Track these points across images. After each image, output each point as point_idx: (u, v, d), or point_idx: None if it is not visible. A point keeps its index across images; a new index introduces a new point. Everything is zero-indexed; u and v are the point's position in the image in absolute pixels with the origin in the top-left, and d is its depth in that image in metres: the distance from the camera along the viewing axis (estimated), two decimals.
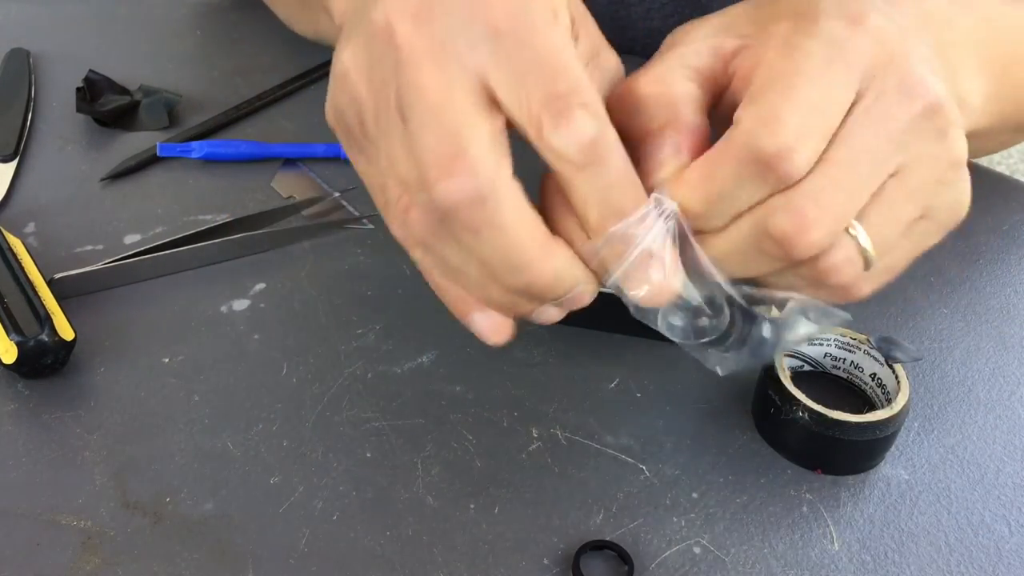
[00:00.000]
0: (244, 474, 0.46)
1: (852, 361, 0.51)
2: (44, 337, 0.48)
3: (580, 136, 0.34)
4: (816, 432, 0.47)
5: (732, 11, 0.40)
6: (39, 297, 0.49)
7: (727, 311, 0.38)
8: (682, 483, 0.48)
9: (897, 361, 0.48)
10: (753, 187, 0.35)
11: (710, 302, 0.38)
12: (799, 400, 0.47)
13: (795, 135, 0.34)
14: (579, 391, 0.52)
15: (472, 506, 0.46)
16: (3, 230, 0.53)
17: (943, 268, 0.60)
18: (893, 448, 0.49)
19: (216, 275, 0.56)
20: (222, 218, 0.59)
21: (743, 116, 0.35)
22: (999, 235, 0.63)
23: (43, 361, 0.48)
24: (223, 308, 0.54)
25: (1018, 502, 0.48)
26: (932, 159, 0.37)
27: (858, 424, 0.46)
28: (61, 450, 0.47)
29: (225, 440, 0.48)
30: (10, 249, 0.52)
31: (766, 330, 0.39)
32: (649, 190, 0.36)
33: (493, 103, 0.34)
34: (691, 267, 0.37)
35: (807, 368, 0.52)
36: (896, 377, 0.48)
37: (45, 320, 0.48)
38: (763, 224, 0.35)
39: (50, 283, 0.52)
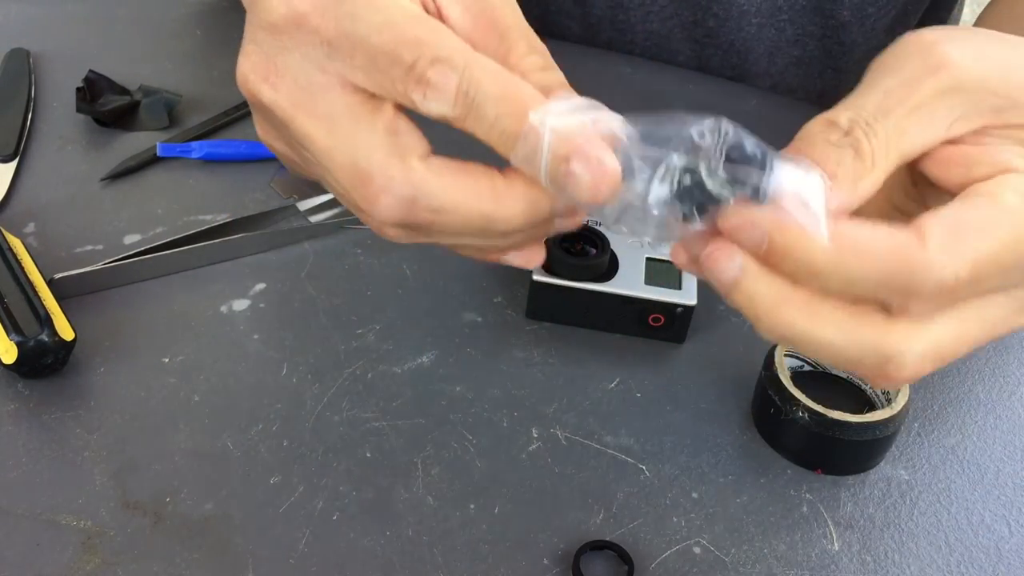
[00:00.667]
0: (244, 474, 0.46)
1: None
2: (44, 337, 0.48)
3: (446, 93, 0.33)
4: (816, 432, 0.47)
5: (987, 62, 0.35)
6: (39, 297, 0.49)
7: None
8: (682, 483, 0.48)
9: None
10: (877, 291, 0.32)
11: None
12: (799, 400, 0.47)
13: (956, 285, 0.32)
14: (579, 391, 0.52)
15: (472, 506, 0.46)
16: (3, 230, 0.53)
17: None
18: (893, 448, 0.49)
19: (216, 275, 0.56)
20: (222, 218, 0.59)
21: (933, 241, 0.32)
22: None
23: (43, 361, 0.48)
24: (223, 308, 0.54)
25: (1018, 502, 0.48)
26: None
27: (858, 424, 0.46)
28: (61, 450, 0.47)
29: (225, 440, 0.48)
30: (10, 249, 0.52)
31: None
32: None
33: (371, 96, 0.35)
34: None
35: (807, 368, 0.52)
36: None
37: (45, 320, 0.48)
38: (862, 353, 0.33)
39: (50, 283, 0.52)
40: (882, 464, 0.49)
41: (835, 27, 0.75)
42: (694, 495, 0.47)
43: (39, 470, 0.46)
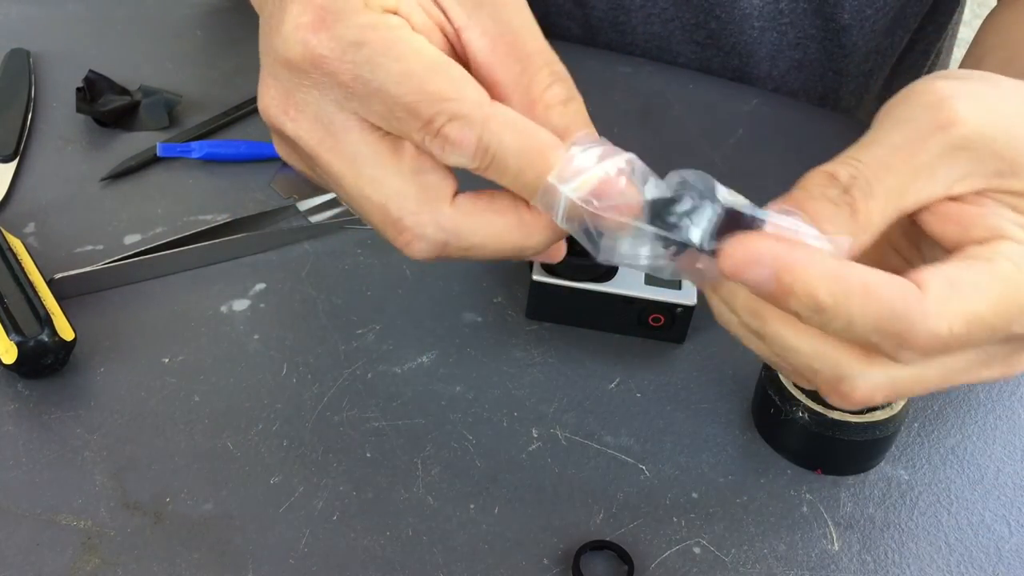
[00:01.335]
0: (244, 474, 0.46)
1: None
2: (44, 337, 0.48)
3: (465, 149, 0.34)
4: (816, 432, 0.47)
5: (996, 120, 0.35)
6: (39, 297, 0.49)
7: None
8: (682, 483, 0.48)
9: None
10: (872, 334, 0.32)
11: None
12: (799, 400, 0.47)
13: (950, 342, 0.32)
14: (579, 391, 0.52)
15: (472, 506, 0.46)
16: (3, 230, 0.53)
17: None
18: (893, 448, 0.49)
19: (216, 275, 0.56)
20: (222, 218, 0.59)
21: (932, 293, 0.32)
22: None
23: (43, 361, 0.48)
24: (223, 308, 0.54)
25: (1018, 502, 0.48)
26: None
27: (858, 424, 0.46)
28: (61, 450, 0.47)
29: (225, 440, 0.48)
30: (10, 249, 0.52)
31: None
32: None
33: (390, 133, 0.35)
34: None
35: None
36: None
37: (45, 320, 0.48)
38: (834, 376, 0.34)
39: (50, 283, 0.52)
40: (882, 464, 0.49)
41: (835, 30, 0.75)
42: (694, 495, 0.47)
43: (39, 470, 0.46)
